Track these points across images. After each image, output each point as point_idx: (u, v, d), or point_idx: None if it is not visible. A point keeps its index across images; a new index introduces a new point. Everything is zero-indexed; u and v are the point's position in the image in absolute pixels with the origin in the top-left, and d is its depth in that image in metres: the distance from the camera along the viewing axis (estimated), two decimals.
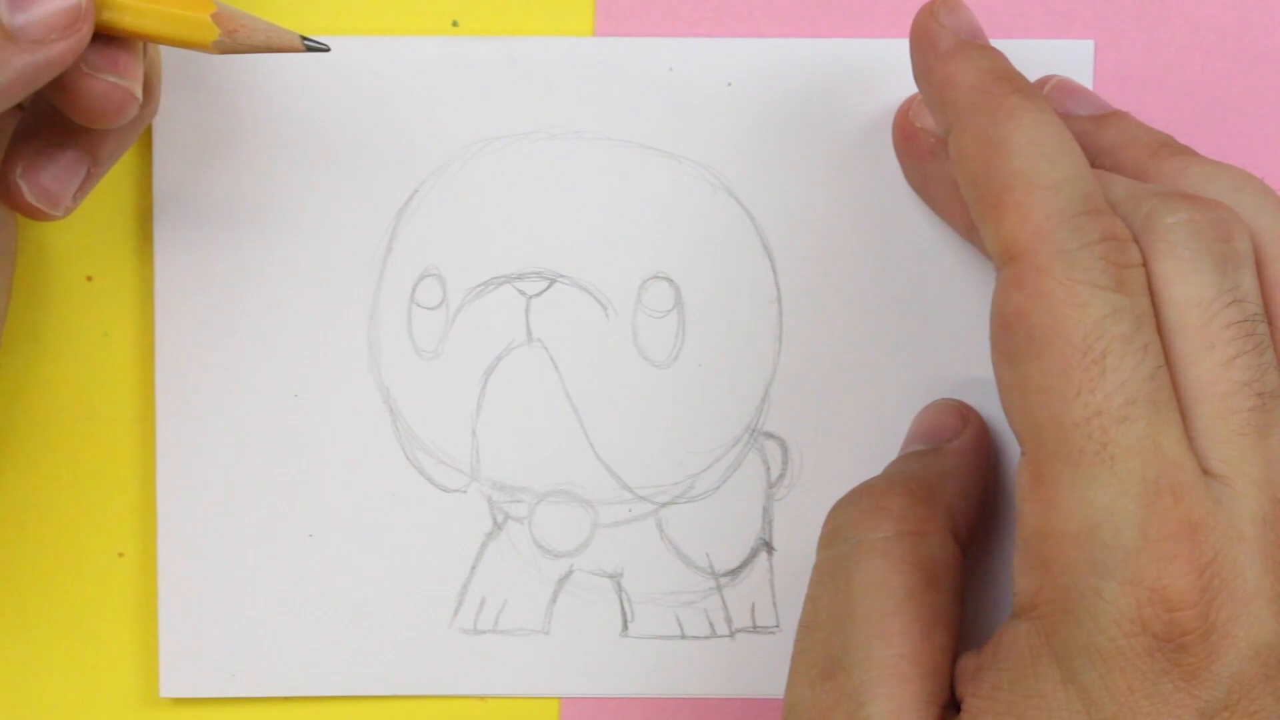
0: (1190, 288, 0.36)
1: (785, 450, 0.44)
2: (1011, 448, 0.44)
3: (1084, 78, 0.44)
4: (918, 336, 0.44)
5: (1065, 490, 0.35)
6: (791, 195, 0.44)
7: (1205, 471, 0.35)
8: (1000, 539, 0.44)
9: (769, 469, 0.45)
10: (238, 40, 0.39)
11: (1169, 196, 0.37)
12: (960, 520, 0.41)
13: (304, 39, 0.40)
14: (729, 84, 0.44)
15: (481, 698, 0.45)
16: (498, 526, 0.45)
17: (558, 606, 0.45)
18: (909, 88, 0.43)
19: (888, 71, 0.44)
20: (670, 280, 0.44)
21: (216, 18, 0.39)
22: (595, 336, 0.44)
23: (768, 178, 0.44)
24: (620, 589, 0.45)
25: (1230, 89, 0.44)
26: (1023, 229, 0.36)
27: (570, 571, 0.45)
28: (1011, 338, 0.36)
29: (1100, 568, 0.35)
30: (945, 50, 0.38)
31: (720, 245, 0.44)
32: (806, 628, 0.40)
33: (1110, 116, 0.42)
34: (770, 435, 0.44)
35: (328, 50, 0.40)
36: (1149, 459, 0.35)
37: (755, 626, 0.45)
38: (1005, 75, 0.38)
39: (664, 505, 0.45)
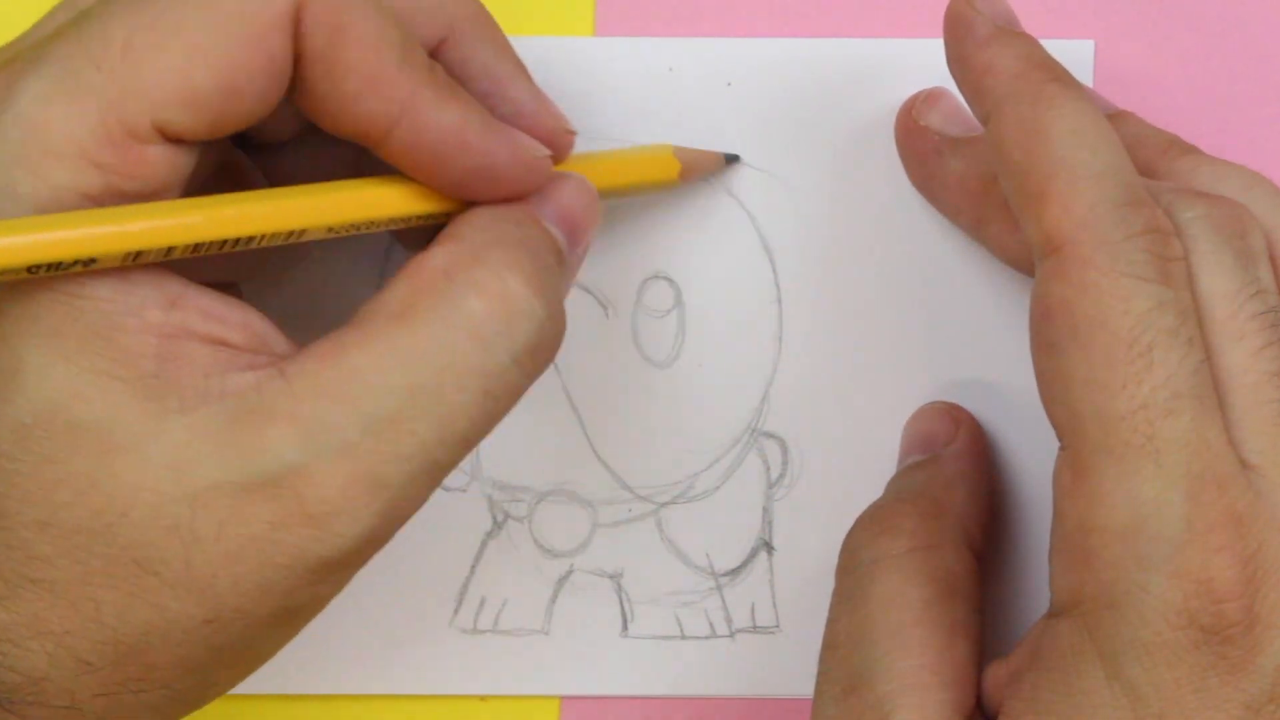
0: (1215, 280, 0.36)
1: (785, 450, 0.44)
2: (1010, 449, 0.44)
3: (1084, 78, 0.44)
4: (918, 336, 0.44)
5: (1109, 484, 0.35)
6: (791, 195, 0.44)
7: (1241, 463, 0.36)
8: (1012, 547, 0.44)
9: (769, 469, 0.45)
10: (687, 171, 0.42)
11: (1184, 193, 0.37)
12: (973, 528, 0.41)
13: (725, 156, 0.43)
14: (729, 84, 0.44)
15: (481, 697, 0.45)
16: (498, 526, 0.45)
17: (558, 606, 0.45)
18: (910, 87, 0.44)
19: (888, 71, 0.44)
20: (670, 280, 0.44)
21: (676, 154, 0.42)
22: (595, 336, 0.44)
23: (768, 178, 0.44)
24: (620, 589, 0.45)
25: (1230, 89, 0.44)
26: (1066, 219, 0.35)
27: (570, 571, 0.45)
28: (1054, 329, 0.36)
29: (1146, 561, 0.35)
30: (983, 37, 0.38)
31: (720, 245, 0.44)
32: (828, 648, 0.40)
33: (1116, 116, 0.42)
34: (770, 435, 0.44)
35: (738, 160, 0.44)
36: (1194, 452, 0.35)
37: (755, 626, 0.45)
38: (1044, 63, 0.37)
39: (664, 505, 0.45)
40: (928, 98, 0.43)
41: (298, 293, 0.44)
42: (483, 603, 0.45)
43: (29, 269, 0.32)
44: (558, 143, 0.38)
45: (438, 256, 0.35)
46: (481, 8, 0.38)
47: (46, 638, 0.33)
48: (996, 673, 0.38)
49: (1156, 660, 0.35)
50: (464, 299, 0.34)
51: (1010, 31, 0.38)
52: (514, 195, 0.36)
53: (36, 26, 0.37)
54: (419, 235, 0.37)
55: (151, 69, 0.32)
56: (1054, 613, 0.37)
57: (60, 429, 0.32)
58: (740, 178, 0.44)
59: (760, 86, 0.44)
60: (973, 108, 0.38)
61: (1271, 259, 0.38)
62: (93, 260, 0.32)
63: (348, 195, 0.36)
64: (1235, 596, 0.35)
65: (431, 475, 0.34)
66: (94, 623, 0.33)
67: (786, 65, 0.44)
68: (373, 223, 0.36)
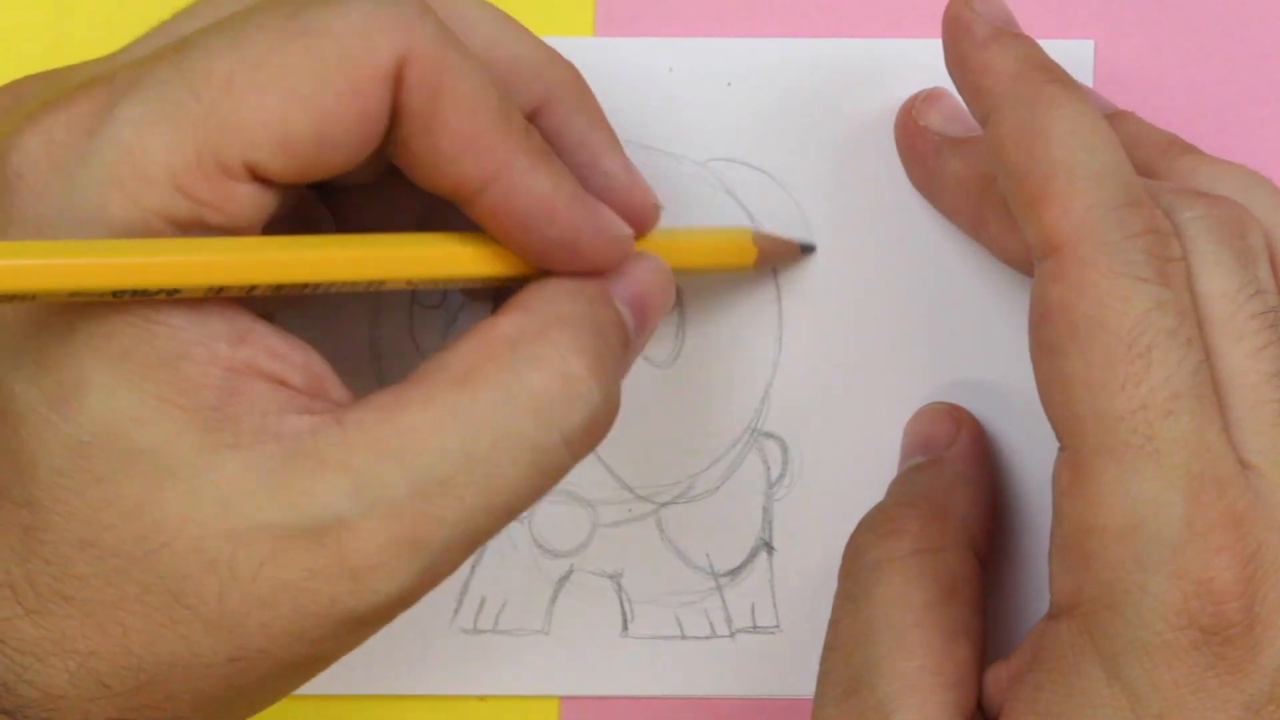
0: (1215, 280, 0.36)
1: (785, 450, 0.44)
2: (1011, 450, 0.44)
3: (1084, 78, 0.44)
4: (918, 336, 0.44)
5: (1109, 485, 0.35)
6: (791, 195, 0.44)
7: (1241, 463, 0.36)
8: (1013, 548, 0.44)
9: (769, 469, 0.45)
10: (763, 258, 0.43)
11: (1183, 193, 0.37)
12: (976, 530, 0.41)
13: (801, 245, 0.44)
14: (729, 84, 0.44)
15: (481, 697, 0.45)
16: None
17: (558, 606, 0.45)
18: (910, 87, 0.44)
19: (889, 71, 0.44)
20: None
21: (755, 240, 0.42)
22: None
23: (768, 178, 0.44)
24: (620, 589, 0.45)
25: (1230, 89, 0.44)
26: (1065, 220, 0.35)
27: (570, 571, 0.45)
28: (1052, 329, 0.36)
29: (1145, 562, 0.35)
30: (981, 38, 0.38)
31: (816, 247, 0.44)
32: (829, 649, 0.40)
33: (1116, 116, 0.42)
34: (770, 435, 0.44)
35: (814, 250, 0.44)
36: (1193, 452, 0.35)
37: (755, 626, 0.45)
38: (1042, 64, 0.38)
39: (664, 505, 0.45)
40: (927, 98, 0.43)
41: (327, 326, 0.44)
42: (483, 603, 0.45)
43: (114, 293, 0.32)
44: (644, 218, 0.38)
45: (505, 325, 0.35)
46: (579, 76, 0.38)
47: (71, 656, 0.33)
48: (997, 674, 0.39)
49: (1156, 661, 0.35)
50: (526, 373, 0.34)
51: (1008, 33, 0.38)
52: (591, 270, 0.36)
53: (133, 46, 0.37)
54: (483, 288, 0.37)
55: (250, 108, 0.32)
56: (1054, 614, 0.37)
57: (116, 451, 0.32)
58: (740, 178, 0.44)
59: (760, 86, 0.44)
60: (971, 109, 0.38)
61: (1271, 259, 0.38)
62: (176, 290, 0.32)
63: (429, 251, 0.36)
64: (1234, 597, 0.35)
65: (471, 542, 0.34)
66: (120, 647, 0.33)
67: (786, 65, 0.44)
68: (452, 280, 0.36)
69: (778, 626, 0.45)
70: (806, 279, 0.44)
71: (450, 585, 0.44)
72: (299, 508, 0.33)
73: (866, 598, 0.40)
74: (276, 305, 0.39)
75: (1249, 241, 0.37)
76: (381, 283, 0.35)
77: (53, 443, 0.33)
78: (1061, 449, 0.36)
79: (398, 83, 0.33)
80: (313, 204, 0.39)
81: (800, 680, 0.44)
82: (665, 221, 0.44)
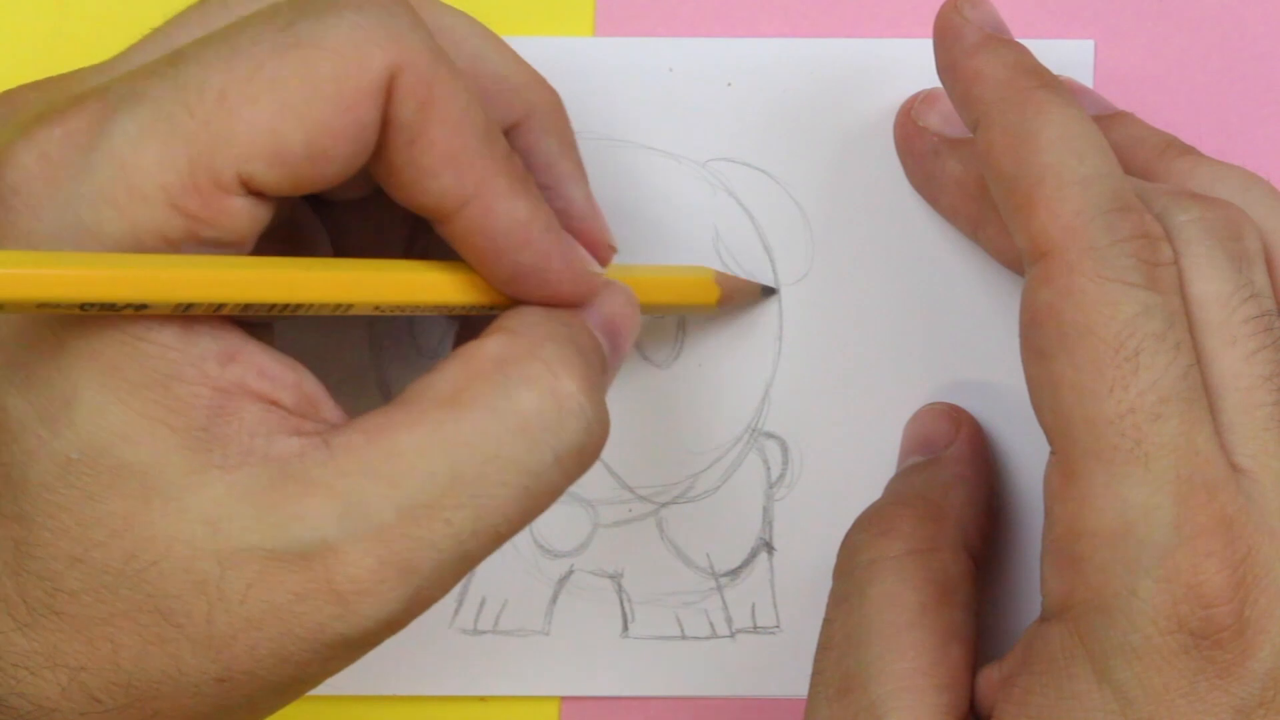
0: (1209, 283, 0.36)
1: (785, 450, 0.44)
2: (1009, 451, 0.44)
3: (1084, 78, 0.44)
4: (918, 336, 0.44)
5: (1098, 489, 0.35)
6: (791, 195, 0.44)
7: (1233, 467, 0.35)
8: (1009, 550, 0.44)
9: (769, 469, 0.45)
10: (726, 297, 0.43)
11: (1179, 195, 0.37)
12: (971, 531, 0.41)
13: (762, 287, 0.44)
14: (729, 84, 0.44)
15: (481, 698, 0.45)
16: None
17: (558, 606, 0.45)
18: (910, 87, 0.44)
19: (888, 71, 0.44)
20: None
21: (717, 279, 0.42)
22: None
23: (768, 178, 0.44)
24: (620, 589, 0.45)
25: (1230, 89, 0.44)
26: (1053, 225, 0.35)
27: (570, 571, 0.45)
28: (1042, 334, 0.36)
29: (1135, 566, 0.35)
30: (971, 44, 0.38)
31: (720, 245, 0.44)
32: (823, 649, 0.40)
33: (1115, 117, 0.42)
34: (770, 435, 0.44)
35: (775, 293, 0.44)
36: (1183, 456, 0.35)
37: (755, 627, 0.45)
38: (1032, 70, 0.38)
39: (664, 505, 0.45)
40: (926, 98, 0.43)
41: (323, 337, 0.44)
42: (483, 603, 0.45)
43: (81, 306, 0.32)
44: (600, 254, 0.38)
45: (492, 346, 0.34)
46: (559, 103, 0.38)
47: (61, 670, 0.33)
48: (989, 676, 0.39)
49: (1146, 664, 0.35)
50: (516, 392, 0.34)
51: (999, 39, 0.38)
52: (558, 300, 0.36)
53: (127, 54, 0.37)
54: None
55: (243, 121, 0.32)
56: (1045, 617, 0.37)
57: (104, 468, 0.32)
58: (740, 178, 0.44)
59: (760, 86, 0.44)
60: (962, 115, 0.39)
61: (1268, 261, 0.38)
62: (144, 305, 0.32)
63: (399, 277, 0.35)
64: (1224, 601, 0.35)
65: (460, 566, 0.34)
66: (109, 663, 0.33)
67: (786, 65, 0.44)
68: (419, 307, 0.36)
69: (778, 626, 0.45)
70: (806, 279, 0.44)
71: None
72: (286, 531, 0.32)
73: (860, 597, 0.40)
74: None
75: (1244, 244, 0.37)
76: (349, 306, 0.35)
77: (43, 458, 0.33)
78: (1052, 453, 0.36)
79: (388, 95, 0.33)
80: (307, 218, 0.39)
81: (800, 681, 0.44)
82: (665, 226, 0.44)
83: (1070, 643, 0.36)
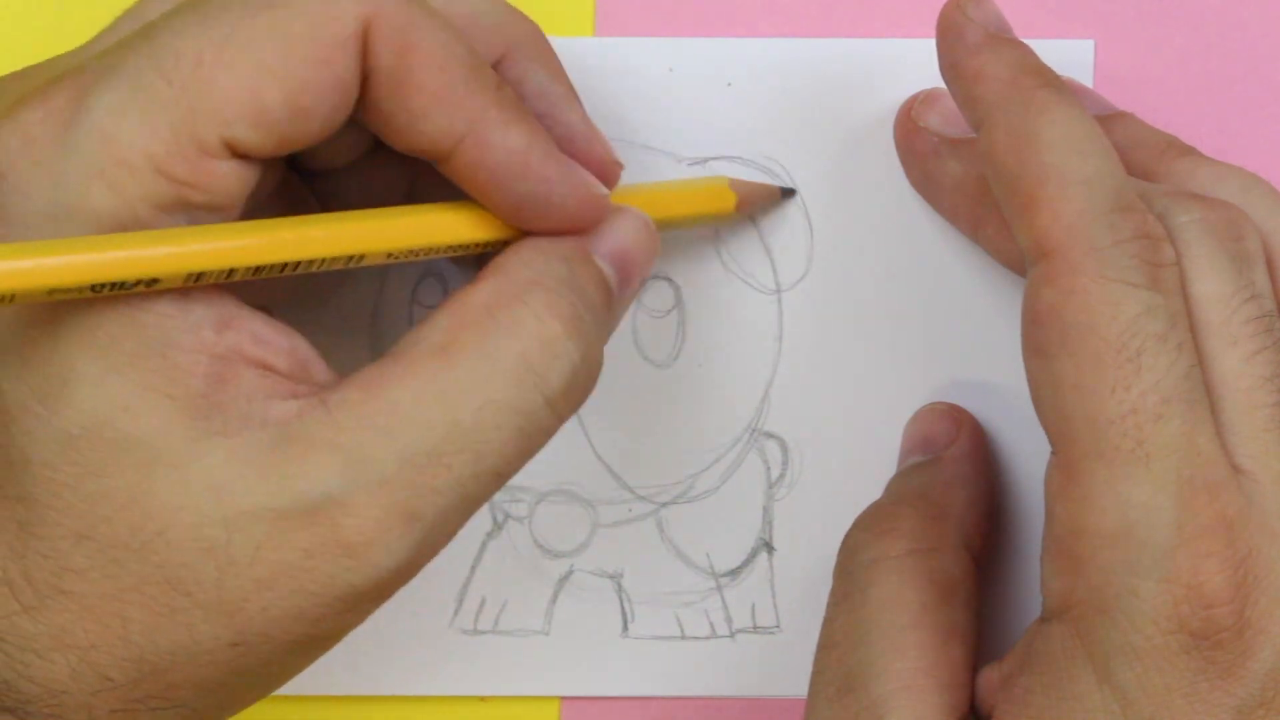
0: (1210, 284, 0.36)
1: (785, 450, 0.44)
2: (1009, 451, 0.44)
3: (1084, 78, 0.44)
4: (918, 336, 0.44)
5: (1099, 488, 0.35)
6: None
7: (1234, 468, 0.36)
8: (1009, 550, 0.44)
9: (769, 469, 0.45)
10: (743, 203, 0.43)
11: (1180, 196, 0.37)
12: (972, 531, 0.41)
13: (781, 189, 0.44)
14: (729, 84, 0.44)
15: (481, 698, 0.45)
16: (498, 526, 0.45)
17: (558, 606, 0.45)
18: (910, 87, 0.44)
19: (888, 71, 0.44)
20: (670, 280, 0.44)
21: (732, 185, 0.42)
22: None
23: (768, 177, 0.44)
24: (620, 589, 0.45)
25: (1230, 89, 0.44)
26: (1055, 225, 0.35)
27: (570, 571, 0.45)
28: (1044, 334, 0.36)
29: (1136, 566, 0.35)
30: (974, 44, 0.38)
31: (720, 246, 0.44)
32: (824, 648, 0.40)
33: (1116, 117, 0.42)
34: (770, 435, 0.44)
35: (794, 194, 0.44)
36: (1184, 457, 0.35)
37: (755, 627, 0.45)
38: (1035, 69, 0.38)
39: (664, 505, 0.45)
40: (926, 98, 0.43)
41: (329, 315, 0.44)
42: (483, 603, 0.45)
43: (93, 288, 0.32)
44: (605, 174, 0.38)
45: (481, 292, 0.35)
46: (538, 31, 0.39)
47: (71, 651, 0.33)
48: (990, 676, 0.39)
49: (1147, 665, 0.35)
50: (503, 338, 0.34)
51: (1002, 38, 0.38)
52: (569, 228, 0.36)
53: (100, 37, 0.37)
54: (471, 256, 0.37)
55: (222, 85, 0.33)
56: (1046, 617, 0.37)
57: (106, 442, 0.33)
58: (741, 177, 0.44)
59: (760, 86, 0.44)
60: (965, 115, 0.39)
61: (1268, 262, 0.38)
62: (155, 280, 0.32)
63: (407, 221, 0.36)
64: (1225, 602, 0.35)
65: (464, 510, 0.34)
66: (120, 639, 0.33)
67: (786, 65, 0.44)
68: (430, 249, 0.36)
69: (778, 626, 0.45)
70: (807, 279, 0.44)
71: (450, 586, 0.44)
72: (291, 489, 0.33)
73: (861, 597, 0.40)
74: (281, 294, 0.39)
75: (1245, 245, 0.37)
76: (361, 257, 0.35)
77: (43, 437, 0.33)
78: (1053, 453, 0.36)
79: (365, 45, 0.34)
80: (297, 188, 0.39)
81: (800, 681, 0.44)
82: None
83: (1071, 643, 0.36)
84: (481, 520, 0.44)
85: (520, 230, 0.36)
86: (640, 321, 0.44)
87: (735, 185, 0.42)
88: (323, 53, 0.33)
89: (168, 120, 0.32)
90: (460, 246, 0.36)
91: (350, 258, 0.35)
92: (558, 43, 0.39)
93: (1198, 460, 0.35)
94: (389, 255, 0.35)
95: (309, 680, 0.44)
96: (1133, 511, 0.35)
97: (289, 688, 0.44)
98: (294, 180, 0.39)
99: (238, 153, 0.33)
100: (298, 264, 0.34)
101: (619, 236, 0.37)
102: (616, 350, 0.44)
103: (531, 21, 0.39)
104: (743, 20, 0.44)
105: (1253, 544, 0.35)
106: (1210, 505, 0.35)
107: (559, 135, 0.37)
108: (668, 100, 0.44)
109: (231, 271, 0.33)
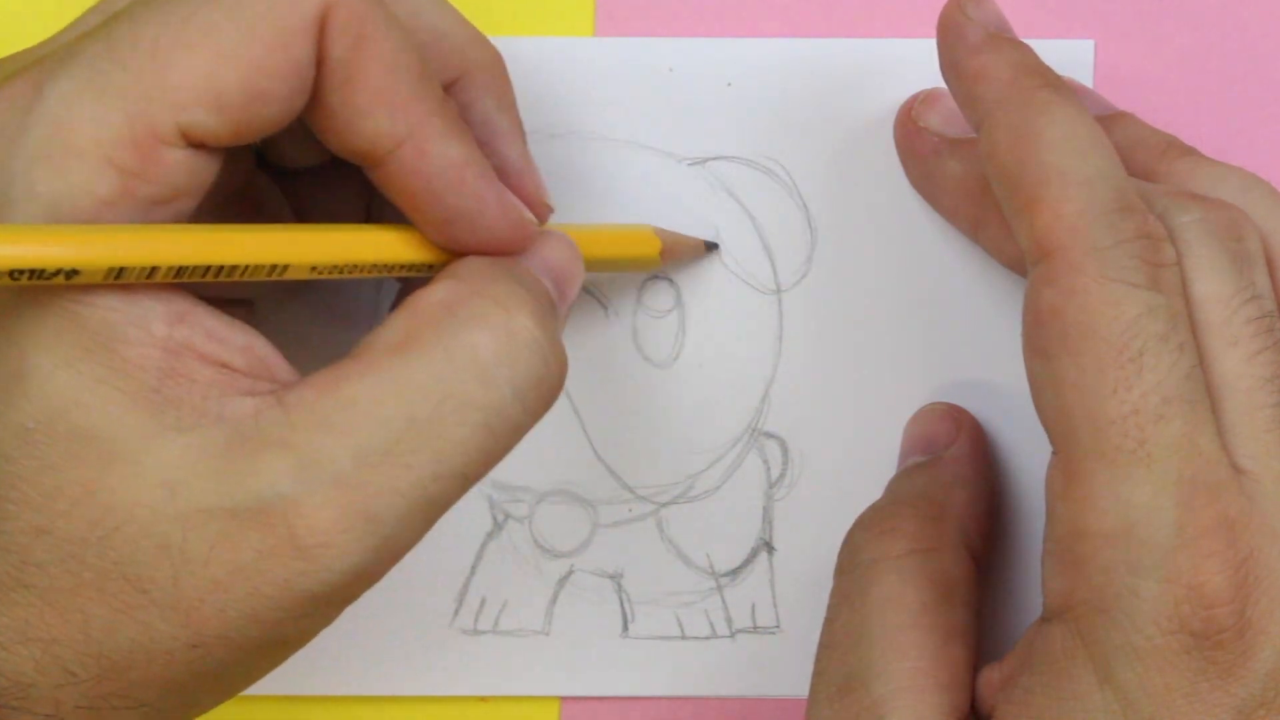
0: (1210, 285, 0.36)
1: (785, 450, 0.44)
2: (1009, 451, 0.44)
3: (1084, 78, 0.44)
4: (918, 336, 0.44)
5: (1101, 489, 0.35)
6: (791, 195, 0.44)
7: (1235, 468, 0.36)
8: (1010, 550, 0.44)
9: (769, 469, 0.45)
10: (669, 251, 0.42)
11: (1180, 196, 0.37)
12: (972, 531, 0.41)
13: (705, 243, 0.44)
14: (729, 84, 0.44)
15: (481, 698, 0.45)
16: (498, 526, 0.45)
17: (558, 606, 0.45)
18: (910, 87, 0.44)
19: (888, 71, 0.44)
20: (670, 280, 0.44)
21: (658, 233, 0.42)
22: (595, 336, 0.44)
23: (768, 177, 0.44)
24: (620, 589, 0.45)
25: (1230, 89, 0.44)
26: (1056, 225, 0.35)
27: (570, 571, 0.45)
28: (1045, 334, 0.36)
29: (1137, 566, 0.35)
30: (975, 43, 0.38)
31: (720, 245, 0.44)
32: (824, 648, 0.40)
33: (1116, 118, 0.42)
34: (770, 435, 0.44)
35: (717, 248, 0.44)
36: (1186, 457, 0.35)
37: (755, 627, 0.45)
38: (1036, 69, 0.38)
39: (664, 505, 0.45)
40: (926, 98, 0.43)
41: (309, 312, 0.44)
42: (483, 603, 0.45)
43: (10, 274, 0.32)
44: (535, 212, 0.38)
45: (439, 292, 0.35)
46: (500, 61, 0.39)
47: (35, 644, 0.33)
48: (990, 676, 0.39)
49: (1147, 665, 0.35)
50: (467, 331, 0.34)
51: (1002, 38, 0.38)
52: (496, 249, 0.36)
53: (69, 28, 0.37)
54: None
55: (178, 70, 0.32)
56: (1046, 617, 0.37)
57: (61, 435, 0.32)
58: (740, 177, 0.44)
59: (760, 86, 0.44)
60: (966, 114, 0.39)
61: (1269, 262, 0.38)
62: (75, 272, 0.32)
63: (333, 237, 0.35)
64: (1226, 602, 0.35)
65: (427, 512, 0.34)
66: (81, 634, 0.33)
67: (786, 65, 0.44)
68: (356, 266, 0.36)
69: (778, 626, 0.45)
70: (807, 279, 0.44)
71: (450, 586, 0.44)
72: (244, 488, 0.32)
73: (862, 597, 0.40)
74: (258, 292, 0.39)
75: (1245, 245, 0.37)
76: (284, 268, 0.35)
77: (0, 431, 0.33)
78: (1054, 453, 0.36)
79: (321, 31, 0.33)
80: (266, 187, 0.39)
81: (800, 681, 0.44)
82: (665, 226, 0.44)
83: (1072, 643, 0.36)
84: (482, 520, 0.44)
85: (448, 252, 0.36)
86: (640, 321, 0.44)
87: (661, 234, 0.42)
88: (282, 35, 0.33)
89: (122, 107, 0.32)
90: (385, 267, 0.36)
91: (273, 268, 0.35)
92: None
93: (1199, 461, 0.35)
94: (313, 269, 0.35)
95: (308, 680, 0.44)
96: (1134, 512, 0.35)
97: (289, 687, 0.45)
98: (263, 180, 0.39)
99: (193, 141, 0.33)
100: (220, 269, 0.34)
101: (550, 254, 0.37)
102: (616, 350, 0.44)
103: (494, 50, 0.38)
104: (743, 20, 0.44)
105: (1254, 544, 0.35)
106: (1211, 506, 0.35)
107: (495, 166, 0.37)
108: (668, 100, 0.44)
109: (153, 270, 0.33)
